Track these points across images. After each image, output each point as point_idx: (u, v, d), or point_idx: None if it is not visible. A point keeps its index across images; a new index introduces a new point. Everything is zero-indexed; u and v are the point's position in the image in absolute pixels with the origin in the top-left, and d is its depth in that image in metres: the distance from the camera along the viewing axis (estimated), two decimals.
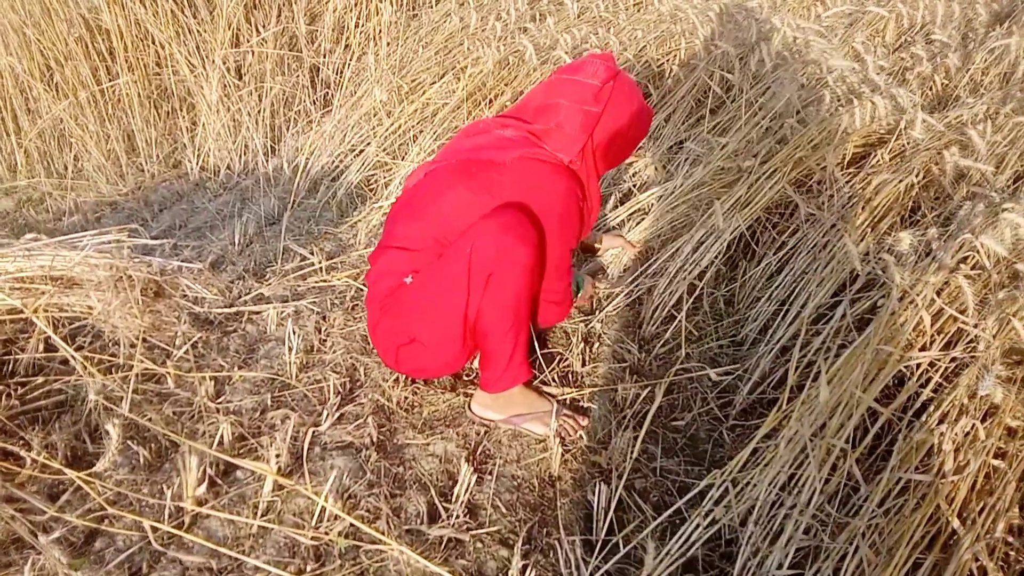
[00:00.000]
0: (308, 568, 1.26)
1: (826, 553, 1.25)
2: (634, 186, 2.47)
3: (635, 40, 2.86)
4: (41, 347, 1.65)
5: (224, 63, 3.33)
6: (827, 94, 2.09)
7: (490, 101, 2.84)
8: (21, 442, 1.45)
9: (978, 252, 1.45)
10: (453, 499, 1.42)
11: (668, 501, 1.52)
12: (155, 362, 1.69)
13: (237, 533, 1.32)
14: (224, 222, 2.68)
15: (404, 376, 1.72)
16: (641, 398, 1.72)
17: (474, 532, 1.36)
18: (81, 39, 3.50)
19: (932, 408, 1.32)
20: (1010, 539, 1.21)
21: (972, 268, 1.46)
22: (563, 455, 1.55)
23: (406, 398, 1.69)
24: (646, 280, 2.04)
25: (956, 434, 1.26)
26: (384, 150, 2.85)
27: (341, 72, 3.46)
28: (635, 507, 1.48)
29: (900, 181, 1.89)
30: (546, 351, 1.84)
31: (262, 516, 1.34)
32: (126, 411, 1.54)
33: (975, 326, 1.36)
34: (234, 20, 3.41)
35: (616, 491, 1.46)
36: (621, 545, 1.35)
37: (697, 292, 2.01)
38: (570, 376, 1.80)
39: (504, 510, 1.42)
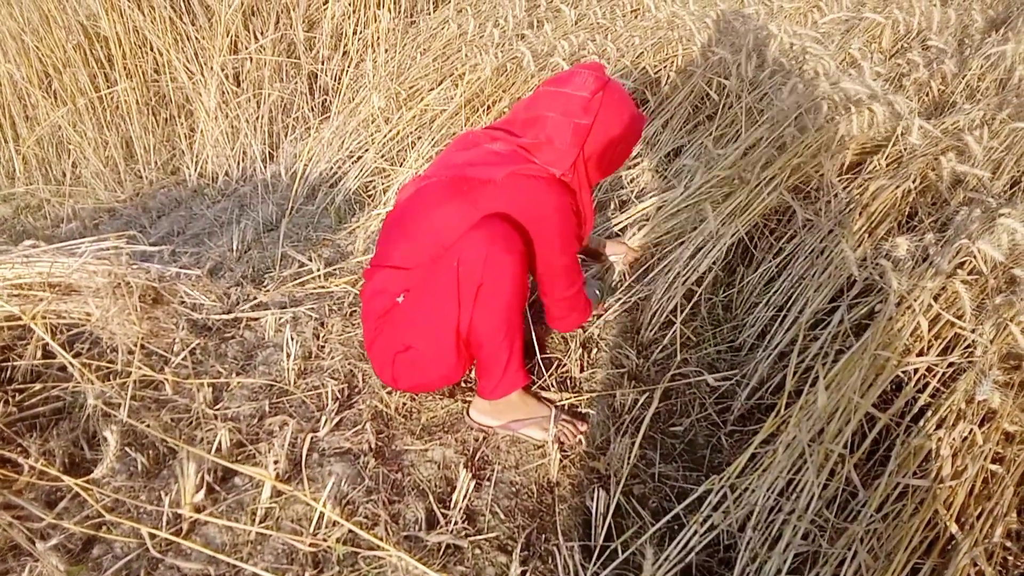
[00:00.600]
0: (306, 574, 1.25)
1: (824, 558, 1.25)
2: (631, 193, 2.48)
3: (632, 47, 2.87)
4: (39, 354, 1.65)
5: (222, 70, 3.33)
6: (824, 101, 2.10)
7: (488, 107, 2.85)
8: (19, 449, 1.45)
9: (975, 257, 1.45)
10: (451, 505, 1.42)
11: (666, 507, 1.52)
12: (153, 368, 1.69)
13: (235, 540, 1.32)
14: (222, 228, 2.68)
15: None
16: (639, 403, 1.72)
17: (472, 538, 1.36)
18: (79, 46, 3.50)
19: (930, 413, 1.32)
20: (1008, 544, 1.21)
21: (969, 273, 1.46)
22: (561, 461, 1.55)
23: (404, 404, 1.69)
24: (644, 286, 2.04)
25: (954, 439, 1.26)
26: (382, 156, 2.85)
27: (339, 79, 3.46)
28: (634, 513, 1.48)
29: (897, 187, 1.90)
30: (544, 356, 1.85)
31: (260, 523, 1.34)
32: (124, 417, 1.54)
33: (972, 331, 1.36)
34: (232, 27, 3.42)
35: (614, 497, 1.46)
36: (620, 551, 1.35)
37: (695, 298, 2.01)
38: (568, 382, 1.80)
39: (502, 516, 1.42)
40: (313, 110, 3.47)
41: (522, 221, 1.47)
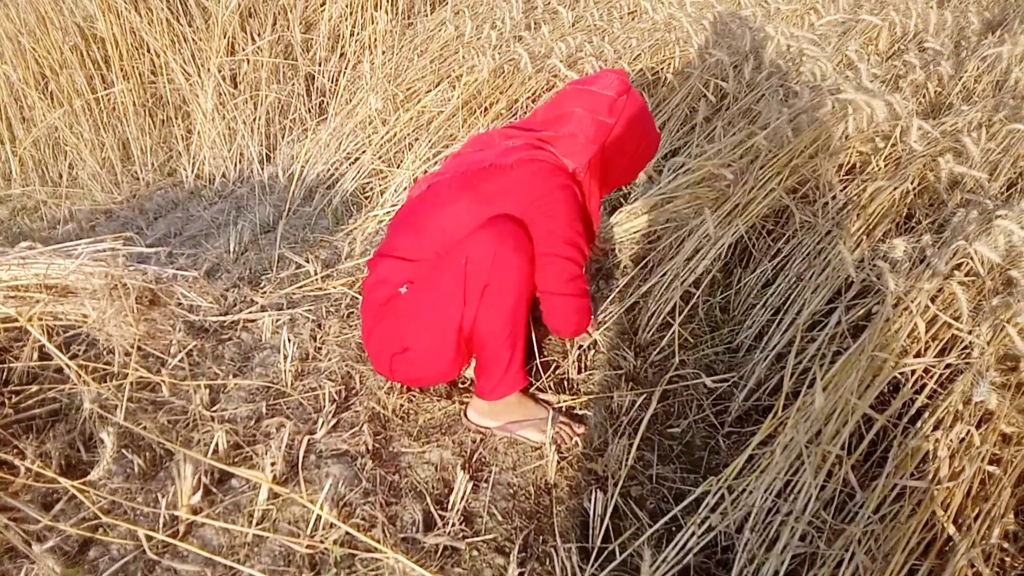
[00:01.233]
0: None
1: (822, 560, 1.25)
2: (625, 197, 2.48)
3: (629, 48, 2.88)
4: (35, 355, 1.65)
5: (219, 71, 3.33)
6: (823, 101, 2.10)
7: (485, 109, 2.85)
8: (15, 451, 1.45)
9: (972, 259, 1.46)
10: (449, 507, 1.42)
11: (664, 508, 1.52)
12: (150, 370, 1.69)
13: (232, 542, 1.32)
14: (219, 230, 2.67)
15: (399, 384, 1.72)
16: (637, 405, 1.72)
17: (470, 540, 1.36)
18: (76, 47, 3.49)
19: (927, 414, 1.32)
20: (1005, 545, 1.21)
21: (966, 275, 1.47)
22: (559, 462, 1.55)
23: (402, 406, 1.69)
24: (641, 287, 2.04)
25: (951, 440, 1.26)
26: (380, 158, 2.85)
27: (336, 80, 3.46)
28: (631, 514, 1.48)
29: (895, 188, 1.90)
30: (543, 359, 1.84)
31: (257, 524, 1.34)
32: (121, 419, 1.54)
33: (969, 332, 1.36)
34: (229, 29, 3.42)
35: (612, 498, 1.45)
36: (617, 552, 1.35)
37: (693, 300, 2.01)
38: (566, 383, 1.80)
39: (500, 518, 1.42)
40: (310, 112, 3.47)
41: (528, 202, 1.45)
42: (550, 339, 1.93)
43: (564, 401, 1.72)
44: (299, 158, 3.03)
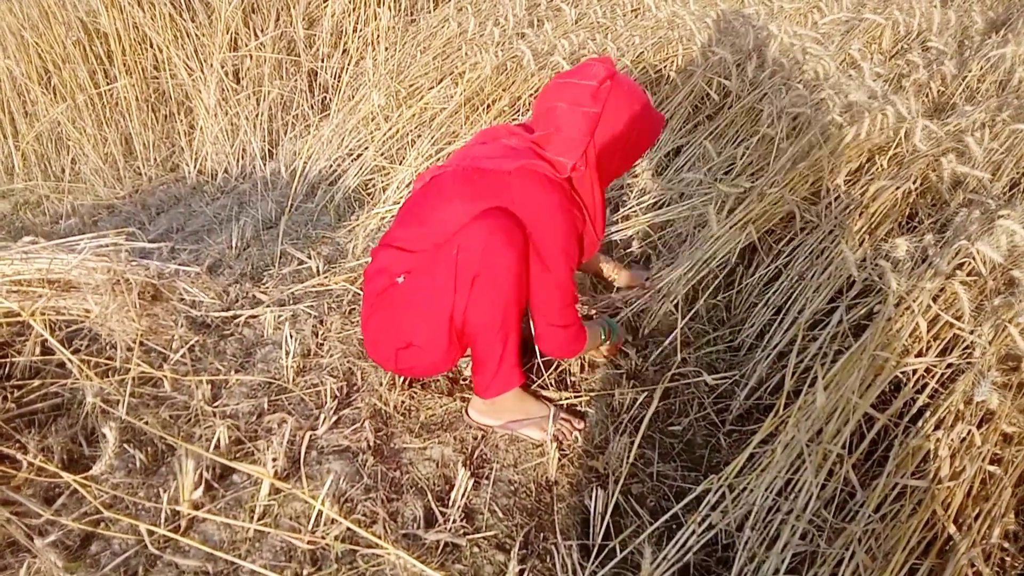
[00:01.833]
0: (304, 572, 1.26)
1: (822, 558, 1.25)
2: (629, 196, 2.47)
3: (632, 46, 2.87)
4: (38, 350, 1.65)
5: (222, 67, 3.33)
6: (828, 103, 2.10)
7: (488, 106, 2.84)
8: (17, 445, 1.45)
9: (974, 258, 1.46)
10: (450, 503, 1.42)
11: (665, 506, 1.52)
12: (152, 365, 1.69)
13: (233, 537, 1.32)
14: (221, 226, 2.67)
15: (401, 380, 1.72)
16: (638, 403, 1.72)
17: (471, 536, 1.36)
18: (79, 42, 3.49)
19: (928, 414, 1.32)
20: (1006, 545, 1.21)
21: (968, 274, 1.47)
22: (560, 460, 1.55)
23: (403, 402, 1.69)
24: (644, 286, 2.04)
25: (952, 440, 1.26)
26: (382, 154, 2.85)
27: (339, 76, 3.46)
28: (632, 512, 1.48)
29: (897, 188, 1.90)
30: (544, 356, 1.84)
31: (258, 520, 1.34)
32: (123, 414, 1.54)
33: (971, 332, 1.36)
34: (232, 24, 3.41)
35: (613, 496, 1.46)
36: (618, 550, 1.35)
37: (695, 298, 2.01)
38: (567, 381, 1.80)
39: (501, 515, 1.42)
40: (313, 108, 3.47)
41: (525, 221, 1.46)
42: None
43: (565, 398, 1.72)
44: (301, 154, 3.03)
